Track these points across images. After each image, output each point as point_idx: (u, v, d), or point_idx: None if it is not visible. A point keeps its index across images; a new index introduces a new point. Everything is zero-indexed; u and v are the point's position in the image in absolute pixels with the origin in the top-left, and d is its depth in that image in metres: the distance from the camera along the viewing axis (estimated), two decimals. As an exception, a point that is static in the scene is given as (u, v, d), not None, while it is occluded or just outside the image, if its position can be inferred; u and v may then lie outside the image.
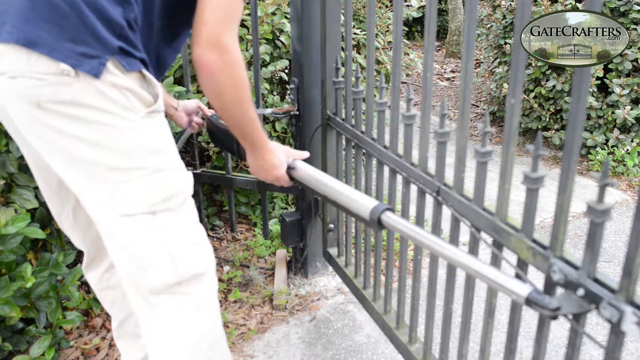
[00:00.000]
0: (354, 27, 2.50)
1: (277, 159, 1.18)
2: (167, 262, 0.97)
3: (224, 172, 2.06)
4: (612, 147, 3.31)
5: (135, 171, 0.90)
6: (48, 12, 0.81)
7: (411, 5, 2.72)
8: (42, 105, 0.84)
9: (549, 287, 0.85)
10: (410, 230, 0.96)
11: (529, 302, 0.76)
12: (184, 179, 0.99)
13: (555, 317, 0.75)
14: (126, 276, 1.01)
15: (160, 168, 0.93)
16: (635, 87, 3.16)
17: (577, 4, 3.18)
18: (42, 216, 1.51)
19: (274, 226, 2.27)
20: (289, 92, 1.90)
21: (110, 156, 0.88)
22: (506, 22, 3.92)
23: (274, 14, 2.22)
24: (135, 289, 1.01)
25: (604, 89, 3.35)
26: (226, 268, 2.09)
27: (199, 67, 0.93)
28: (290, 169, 1.21)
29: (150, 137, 0.92)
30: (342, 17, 1.59)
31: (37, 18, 0.81)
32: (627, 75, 3.20)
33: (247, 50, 2.17)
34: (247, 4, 1.91)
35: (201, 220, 2.27)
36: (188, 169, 2.26)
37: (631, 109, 3.16)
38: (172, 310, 1.02)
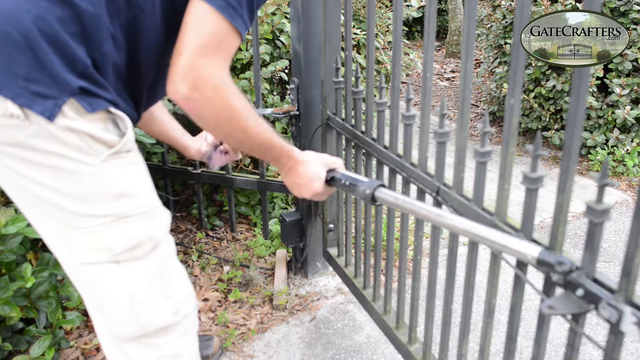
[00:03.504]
0: (354, 27, 2.50)
1: (311, 171, 1.05)
2: (129, 316, 0.92)
3: (224, 172, 2.07)
4: (612, 147, 3.31)
5: (96, 218, 0.84)
6: (0, 44, 0.72)
7: (411, 5, 2.72)
8: None
9: (548, 287, 0.85)
10: (403, 202, 0.99)
11: (540, 262, 0.78)
12: (155, 224, 0.91)
13: (566, 282, 0.76)
14: (92, 318, 0.97)
15: (125, 214, 0.86)
16: (635, 87, 3.16)
17: (577, 4, 3.18)
18: (42, 216, 1.51)
19: (274, 226, 2.27)
20: (289, 92, 1.90)
21: (69, 201, 0.82)
22: (506, 22, 3.92)
23: (274, 14, 2.22)
24: (102, 331, 0.97)
25: (604, 89, 3.35)
26: (226, 268, 2.09)
27: (181, 107, 0.83)
28: (330, 180, 1.08)
29: (114, 181, 0.84)
30: (342, 17, 1.59)
31: None
32: (627, 75, 3.20)
33: (247, 50, 2.17)
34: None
35: (201, 220, 2.30)
36: (188, 169, 2.26)
37: (631, 109, 3.16)
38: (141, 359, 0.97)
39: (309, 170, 1.05)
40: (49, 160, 0.79)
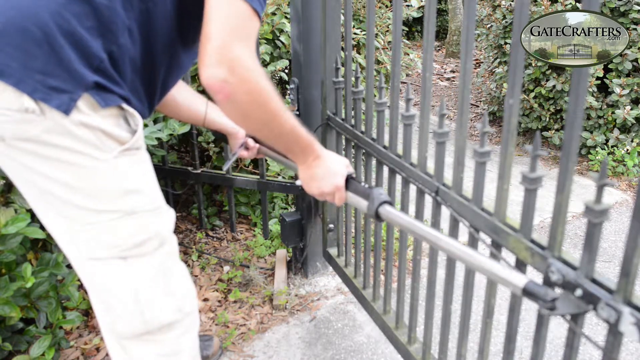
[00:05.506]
0: (354, 27, 2.50)
1: (336, 165, 1.03)
2: (135, 312, 0.92)
3: (224, 172, 2.07)
4: (612, 147, 3.31)
5: (106, 214, 0.85)
6: (19, 39, 0.74)
7: (411, 5, 2.72)
8: (6, 141, 0.79)
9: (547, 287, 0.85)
10: (407, 222, 0.98)
11: (526, 292, 0.77)
12: (161, 221, 0.93)
13: (553, 308, 0.75)
14: (97, 314, 0.97)
15: (133, 210, 0.87)
16: (635, 87, 3.16)
17: (577, 4, 3.18)
18: (42, 216, 1.51)
19: (274, 226, 2.27)
20: (289, 92, 1.90)
21: (79, 196, 0.83)
22: (506, 22, 3.92)
23: (274, 14, 2.22)
24: (106, 328, 0.98)
25: (604, 89, 3.35)
26: (226, 268, 2.09)
27: (212, 92, 0.81)
28: (346, 181, 1.05)
29: (124, 177, 0.85)
30: (342, 17, 1.59)
31: (6, 44, 0.74)
32: (627, 75, 3.20)
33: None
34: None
35: (201, 220, 2.30)
36: (188, 169, 2.26)
37: (631, 109, 3.16)
38: (142, 357, 0.98)
39: (334, 164, 1.03)
40: (62, 155, 0.80)
